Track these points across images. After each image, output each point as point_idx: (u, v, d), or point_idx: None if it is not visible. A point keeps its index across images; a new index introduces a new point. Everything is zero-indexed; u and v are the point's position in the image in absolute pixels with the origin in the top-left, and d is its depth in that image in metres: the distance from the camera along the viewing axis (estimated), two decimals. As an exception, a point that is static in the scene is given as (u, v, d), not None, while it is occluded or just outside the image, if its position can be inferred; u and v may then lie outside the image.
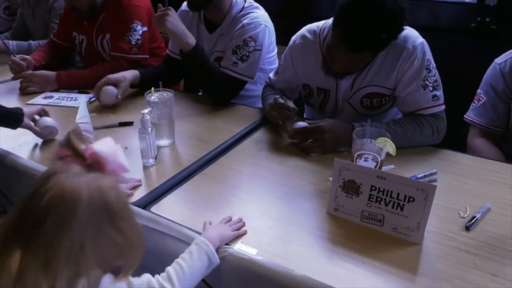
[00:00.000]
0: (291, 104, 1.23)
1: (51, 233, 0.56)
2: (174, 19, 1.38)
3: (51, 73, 1.64)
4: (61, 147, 0.62)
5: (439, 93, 1.19)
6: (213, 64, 1.56)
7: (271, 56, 1.63)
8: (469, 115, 1.38)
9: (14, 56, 1.69)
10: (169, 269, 0.76)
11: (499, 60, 1.32)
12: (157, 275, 0.74)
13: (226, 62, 1.48)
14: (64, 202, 0.56)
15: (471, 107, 1.39)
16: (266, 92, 1.43)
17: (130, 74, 1.52)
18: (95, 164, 0.62)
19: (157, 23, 1.39)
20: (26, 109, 1.20)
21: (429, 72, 1.17)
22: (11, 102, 1.55)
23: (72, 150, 0.62)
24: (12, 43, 2.01)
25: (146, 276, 0.74)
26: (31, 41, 2.05)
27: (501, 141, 1.35)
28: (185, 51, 1.42)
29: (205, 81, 1.50)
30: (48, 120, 1.23)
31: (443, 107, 1.21)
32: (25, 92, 1.61)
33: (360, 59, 1.14)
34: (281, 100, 1.23)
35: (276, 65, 1.68)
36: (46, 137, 1.23)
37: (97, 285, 0.59)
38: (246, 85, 1.55)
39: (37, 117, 1.23)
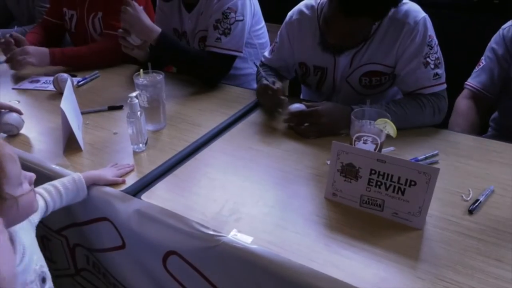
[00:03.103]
0: (277, 84, 1.18)
1: None
2: (131, 16, 1.32)
3: (43, 48, 1.57)
4: None
5: (441, 71, 1.15)
6: (189, 47, 1.51)
7: (258, 29, 1.57)
8: (467, 81, 1.38)
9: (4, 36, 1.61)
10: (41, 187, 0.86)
11: (504, 25, 1.31)
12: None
13: (209, 40, 1.43)
14: None
15: (472, 73, 1.37)
16: (260, 73, 1.37)
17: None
18: None
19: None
20: None
21: (430, 49, 1.12)
22: (9, 83, 1.51)
23: None
24: None
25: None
26: (16, 28, 1.97)
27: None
28: (153, 45, 1.37)
29: (187, 65, 1.45)
30: (12, 118, 1.14)
31: (445, 85, 1.16)
32: (21, 67, 1.52)
33: (358, 27, 1.07)
34: (265, 82, 1.18)
35: (266, 39, 1.63)
36: (6, 133, 1.15)
37: None
38: (235, 63, 1.49)
39: (3, 110, 1.14)
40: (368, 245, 0.76)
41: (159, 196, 0.91)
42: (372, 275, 0.70)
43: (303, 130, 1.13)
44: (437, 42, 1.15)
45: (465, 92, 1.37)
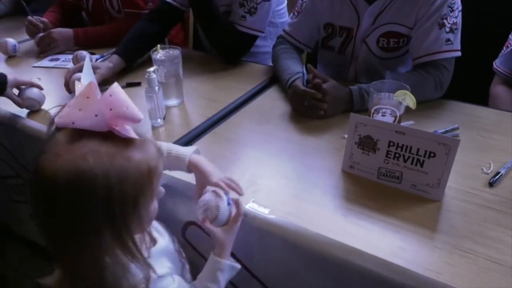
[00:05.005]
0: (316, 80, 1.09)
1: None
2: None
3: (68, 30, 1.62)
4: None
5: (454, 36, 1.11)
6: (222, 14, 1.47)
7: (281, 9, 1.55)
8: (496, 62, 1.33)
9: (32, 17, 1.65)
10: None
11: None
12: None
13: (233, 17, 1.41)
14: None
15: (500, 53, 1.33)
16: (280, 49, 1.35)
17: (106, 67, 1.31)
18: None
19: None
20: (12, 78, 1.14)
21: (451, 11, 1.09)
22: (30, 61, 1.55)
23: None
24: None
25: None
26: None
27: None
28: None
29: (214, 31, 1.43)
30: (33, 92, 1.16)
31: (457, 53, 1.12)
32: (45, 53, 1.58)
33: None
34: (302, 87, 1.09)
35: (286, 18, 1.60)
36: (28, 108, 1.17)
37: None
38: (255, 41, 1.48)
39: (24, 86, 1.17)
40: (385, 216, 0.76)
41: (177, 169, 0.93)
42: (389, 245, 0.70)
43: (304, 109, 1.09)
44: (460, 8, 1.11)
45: (497, 78, 1.35)
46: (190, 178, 0.88)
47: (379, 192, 0.83)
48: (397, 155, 0.81)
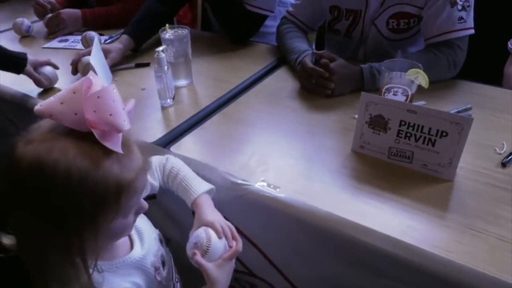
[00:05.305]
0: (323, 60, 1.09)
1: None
2: None
3: (76, 11, 1.62)
4: None
5: (467, 14, 1.08)
6: None
7: None
8: (510, 42, 1.29)
9: None
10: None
11: None
12: None
13: None
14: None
15: None
16: (285, 29, 1.33)
17: (117, 50, 1.29)
18: None
19: None
20: (31, 57, 1.16)
21: None
22: (39, 43, 1.56)
23: None
24: None
25: None
26: None
27: None
28: None
29: (223, 10, 1.40)
30: (47, 70, 1.19)
31: (470, 31, 1.09)
32: (55, 34, 1.59)
33: None
34: (310, 65, 1.10)
35: None
36: (43, 86, 1.19)
37: None
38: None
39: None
40: (396, 196, 0.76)
41: (187, 148, 0.93)
42: (399, 223, 0.70)
43: (312, 87, 1.10)
44: None
45: (511, 58, 1.31)
46: (198, 157, 0.88)
47: (389, 171, 0.82)
48: (408, 134, 0.80)
